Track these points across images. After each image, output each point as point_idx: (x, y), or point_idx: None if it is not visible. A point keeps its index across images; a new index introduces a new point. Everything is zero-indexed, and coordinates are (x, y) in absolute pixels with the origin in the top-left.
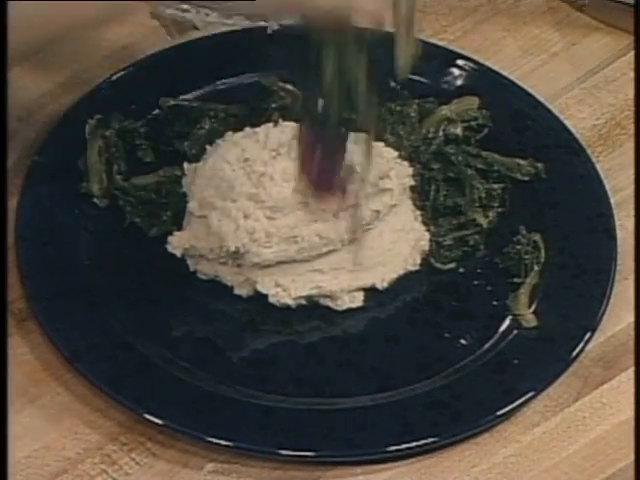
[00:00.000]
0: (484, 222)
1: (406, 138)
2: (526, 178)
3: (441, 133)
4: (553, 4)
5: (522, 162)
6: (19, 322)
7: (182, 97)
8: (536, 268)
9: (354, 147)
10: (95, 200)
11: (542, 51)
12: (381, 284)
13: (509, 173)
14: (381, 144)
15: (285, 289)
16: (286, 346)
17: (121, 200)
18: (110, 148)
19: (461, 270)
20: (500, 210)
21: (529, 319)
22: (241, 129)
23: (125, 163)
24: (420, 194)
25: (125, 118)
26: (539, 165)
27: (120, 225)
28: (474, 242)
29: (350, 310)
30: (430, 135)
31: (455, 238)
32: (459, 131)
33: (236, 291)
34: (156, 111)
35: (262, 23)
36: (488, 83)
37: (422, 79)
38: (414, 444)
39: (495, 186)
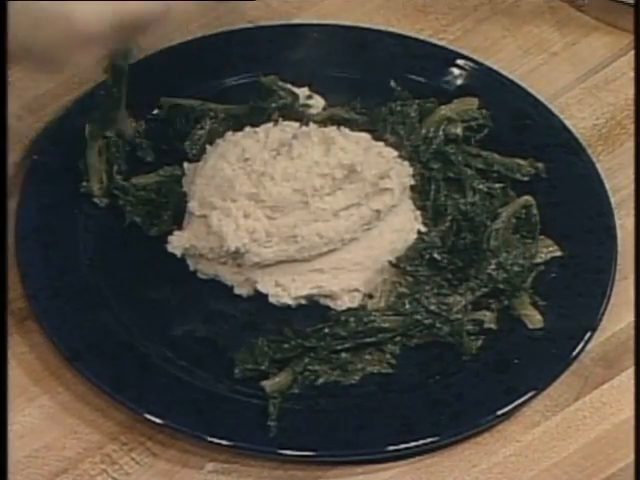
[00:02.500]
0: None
1: (406, 138)
2: (526, 178)
3: (441, 133)
4: (553, 4)
5: (522, 162)
6: (19, 321)
7: (182, 97)
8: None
9: (354, 147)
10: (95, 200)
11: (542, 51)
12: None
13: (509, 174)
14: (381, 144)
15: (285, 289)
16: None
17: (121, 200)
18: (110, 148)
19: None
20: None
21: (535, 320)
22: (241, 129)
23: (125, 163)
24: (420, 194)
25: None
26: (539, 165)
27: (120, 225)
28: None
29: (350, 310)
30: (430, 135)
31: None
32: (459, 131)
33: (236, 291)
34: (156, 111)
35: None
36: (488, 83)
37: (422, 79)
38: (414, 444)
39: (496, 185)
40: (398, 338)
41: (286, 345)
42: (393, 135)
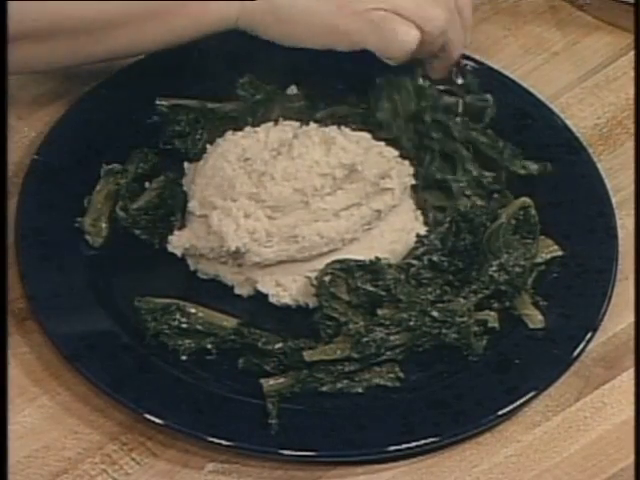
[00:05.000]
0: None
1: (402, 104)
2: (523, 171)
3: (440, 103)
4: (554, 3)
5: (526, 162)
6: (19, 321)
7: (182, 97)
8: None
9: (354, 146)
10: (87, 238)
11: (543, 50)
12: None
13: (511, 165)
14: (382, 143)
15: (285, 289)
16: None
17: (123, 223)
18: (120, 192)
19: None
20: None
21: (535, 320)
22: (241, 128)
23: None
24: (415, 161)
25: (143, 159)
26: (540, 164)
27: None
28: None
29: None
30: (429, 103)
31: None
32: (459, 104)
33: (236, 291)
34: (157, 110)
35: None
36: (489, 82)
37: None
38: (415, 444)
39: (486, 173)
40: (406, 350)
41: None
42: (389, 102)
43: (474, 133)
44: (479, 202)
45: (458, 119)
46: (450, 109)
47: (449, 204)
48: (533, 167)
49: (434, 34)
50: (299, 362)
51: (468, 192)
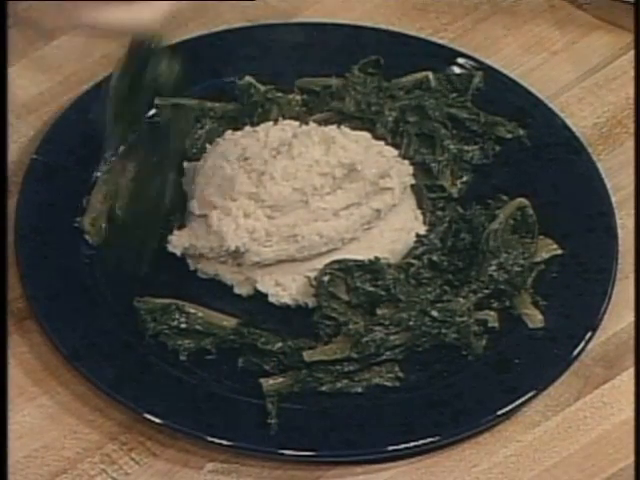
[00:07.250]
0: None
1: (379, 85)
2: (509, 136)
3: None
4: (554, 2)
5: (506, 122)
6: (19, 321)
7: (182, 96)
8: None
9: (354, 146)
10: (86, 237)
11: (543, 49)
12: None
13: (492, 130)
14: (381, 143)
15: (285, 288)
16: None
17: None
18: (118, 194)
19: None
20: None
21: (535, 319)
22: (241, 128)
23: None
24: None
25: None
26: (521, 131)
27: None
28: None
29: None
30: (406, 85)
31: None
32: (431, 77)
33: (236, 290)
34: (156, 110)
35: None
36: (488, 81)
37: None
38: (414, 444)
39: (465, 147)
40: (406, 350)
41: (296, 362)
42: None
43: (453, 110)
44: (465, 177)
45: (432, 100)
46: (421, 85)
47: (448, 205)
48: (519, 131)
49: None
50: (298, 362)
51: (448, 170)
